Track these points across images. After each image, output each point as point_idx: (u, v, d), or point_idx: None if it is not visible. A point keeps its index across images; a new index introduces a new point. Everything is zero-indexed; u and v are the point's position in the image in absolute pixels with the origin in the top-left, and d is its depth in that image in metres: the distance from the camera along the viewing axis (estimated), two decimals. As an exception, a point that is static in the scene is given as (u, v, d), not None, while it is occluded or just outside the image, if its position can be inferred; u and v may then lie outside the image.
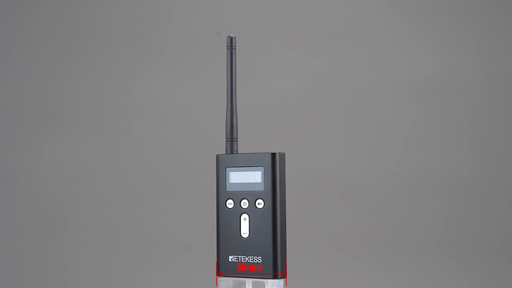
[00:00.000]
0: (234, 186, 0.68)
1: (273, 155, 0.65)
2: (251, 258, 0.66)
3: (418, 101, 1.33)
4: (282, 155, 0.66)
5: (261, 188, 0.66)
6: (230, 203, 0.68)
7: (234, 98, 0.70)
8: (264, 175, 0.66)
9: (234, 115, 0.70)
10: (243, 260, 0.66)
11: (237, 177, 0.67)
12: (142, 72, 1.36)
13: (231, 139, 0.69)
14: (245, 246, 0.66)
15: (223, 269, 0.67)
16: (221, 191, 0.68)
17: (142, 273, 1.27)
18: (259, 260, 0.65)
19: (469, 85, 1.34)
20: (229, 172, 0.68)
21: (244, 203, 0.67)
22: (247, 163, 0.67)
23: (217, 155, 0.69)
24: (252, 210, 0.67)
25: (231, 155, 0.68)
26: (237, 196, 0.67)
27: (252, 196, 0.66)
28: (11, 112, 1.35)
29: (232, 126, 0.70)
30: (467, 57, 1.35)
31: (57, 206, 1.32)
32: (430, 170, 1.32)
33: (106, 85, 1.36)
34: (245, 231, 0.67)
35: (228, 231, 0.67)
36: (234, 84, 0.69)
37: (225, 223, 0.68)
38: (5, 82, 1.35)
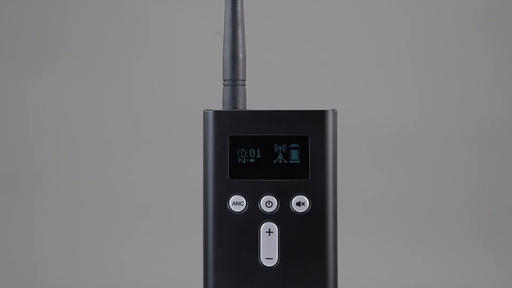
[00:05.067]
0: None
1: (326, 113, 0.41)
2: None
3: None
4: (328, 114, 0.41)
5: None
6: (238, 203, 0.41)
7: (238, 26, 0.43)
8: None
9: (240, 45, 0.43)
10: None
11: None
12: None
13: (233, 80, 0.42)
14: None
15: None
16: (221, 181, 0.41)
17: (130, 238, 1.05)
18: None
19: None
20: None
21: (269, 204, 0.40)
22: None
23: (204, 112, 0.42)
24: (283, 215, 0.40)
25: (234, 111, 0.42)
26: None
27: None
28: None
29: (234, 57, 0.42)
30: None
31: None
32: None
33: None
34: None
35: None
36: (238, 8, 0.43)
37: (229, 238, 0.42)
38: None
